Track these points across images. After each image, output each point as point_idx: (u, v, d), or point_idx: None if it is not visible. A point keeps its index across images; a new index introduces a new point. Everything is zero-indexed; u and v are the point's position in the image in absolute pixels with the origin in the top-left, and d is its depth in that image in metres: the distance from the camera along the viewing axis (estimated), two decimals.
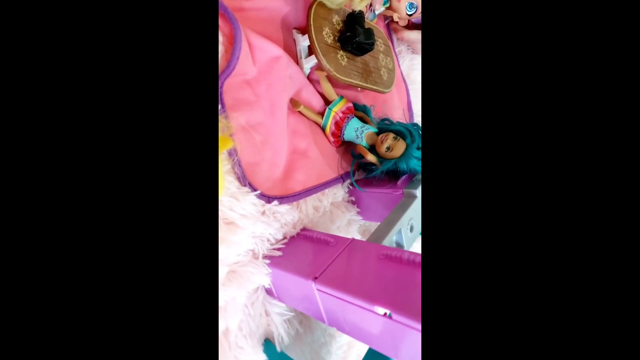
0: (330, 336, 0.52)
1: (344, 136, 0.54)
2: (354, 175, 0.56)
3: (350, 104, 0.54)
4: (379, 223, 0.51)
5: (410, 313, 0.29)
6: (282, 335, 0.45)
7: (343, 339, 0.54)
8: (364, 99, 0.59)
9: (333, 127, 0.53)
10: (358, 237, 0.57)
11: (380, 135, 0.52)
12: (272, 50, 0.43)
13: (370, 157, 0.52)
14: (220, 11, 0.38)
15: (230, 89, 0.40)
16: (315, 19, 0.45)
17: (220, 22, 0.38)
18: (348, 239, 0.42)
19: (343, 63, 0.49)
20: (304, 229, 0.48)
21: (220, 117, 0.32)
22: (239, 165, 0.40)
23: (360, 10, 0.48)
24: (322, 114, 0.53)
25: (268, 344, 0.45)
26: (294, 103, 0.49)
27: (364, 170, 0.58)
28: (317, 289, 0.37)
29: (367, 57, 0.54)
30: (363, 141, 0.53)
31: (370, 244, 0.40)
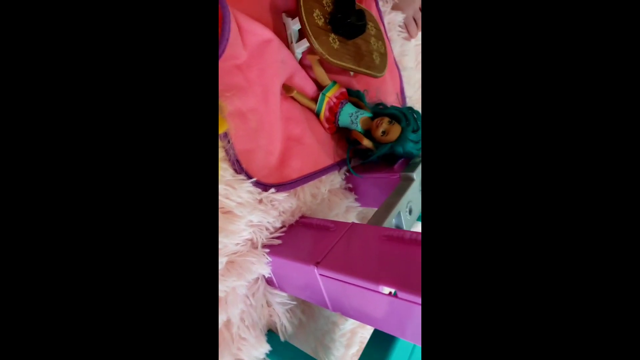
0: (333, 324, 0.51)
1: (339, 122, 0.53)
2: (350, 162, 0.55)
3: (344, 89, 0.53)
4: (376, 208, 0.51)
5: (415, 290, 0.28)
6: (285, 325, 0.44)
7: (346, 326, 0.54)
8: (357, 84, 0.59)
9: (327, 113, 0.52)
10: None
11: (375, 120, 0.51)
12: (263, 34, 0.42)
13: (366, 142, 0.52)
14: None
15: (221, 74, 0.39)
16: (306, 1, 0.44)
17: None
18: (348, 223, 0.42)
19: (335, 46, 0.48)
20: (302, 217, 0.47)
21: None
22: (234, 153, 0.39)
23: None
24: (315, 99, 0.52)
25: (271, 334, 0.44)
26: (286, 88, 0.48)
27: (360, 157, 0.57)
28: (320, 274, 0.36)
29: (358, 40, 0.53)
30: (358, 126, 0.52)
31: (370, 226, 0.40)
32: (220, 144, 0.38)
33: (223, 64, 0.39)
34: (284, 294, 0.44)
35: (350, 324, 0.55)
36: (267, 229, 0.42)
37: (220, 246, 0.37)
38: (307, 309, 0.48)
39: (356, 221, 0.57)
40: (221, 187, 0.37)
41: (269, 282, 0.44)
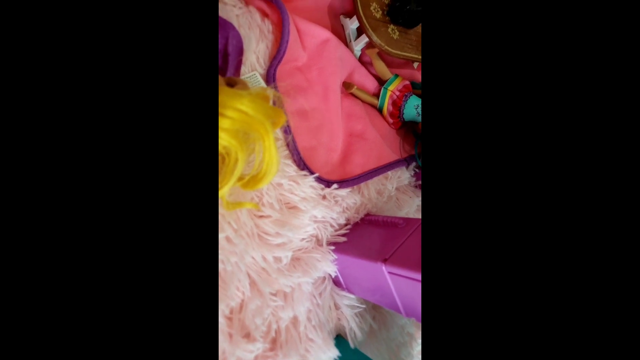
0: (409, 336, 0.46)
1: (404, 116, 0.50)
2: (419, 157, 0.51)
3: (407, 82, 0.50)
4: None
5: None
6: (354, 329, 0.41)
7: None
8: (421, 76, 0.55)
9: (391, 107, 0.50)
10: None
11: None
12: (320, 34, 0.43)
13: None
14: (268, 0, 0.39)
15: (282, 75, 0.41)
16: None
17: (269, 10, 0.40)
18: (419, 219, 0.37)
19: (395, 37, 0.46)
20: (368, 214, 0.44)
21: (269, 88, 0.32)
22: (296, 150, 0.40)
23: None
24: (377, 95, 0.50)
25: (340, 340, 0.41)
26: (346, 85, 0.47)
27: None
28: (388, 272, 0.33)
29: (420, 28, 0.50)
30: None
31: None
32: (282, 140, 0.39)
33: (284, 67, 0.41)
34: (352, 296, 0.42)
35: None
36: (331, 225, 0.41)
37: (285, 240, 0.37)
38: (378, 315, 0.44)
39: None
40: (285, 182, 0.38)
41: (336, 282, 0.42)
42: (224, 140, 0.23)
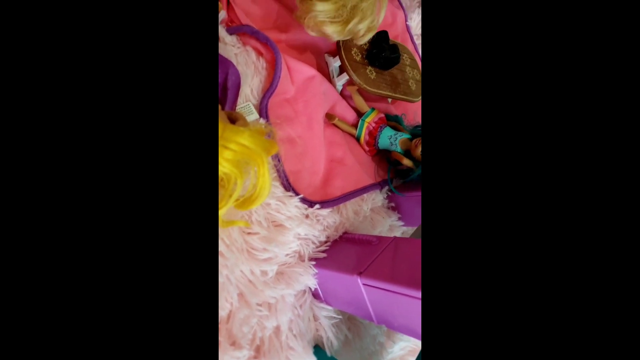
0: (380, 345, 0.50)
1: (379, 144, 0.56)
2: (392, 181, 0.57)
3: (382, 115, 0.57)
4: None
5: None
6: (331, 339, 0.45)
7: (395, 350, 0.52)
8: (395, 109, 0.62)
9: (367, 137, 0.56)
10: None
11: (414, 140, 0.53)
12: (307, 71, 0.49)
13: (406, 162, 0.54)
14: (263, 41, 0.45)
15: (273, 107, 0.46)
16: (345, 41, 0.50)
17: (264, 50, 0.45)
18: (390, 237, 0.43)
19: (372, 77, 0.53)
20: (345, 233, 0.49)
21: (265, 124, 0.37)
22: (284, 173, 0.44)
23: (384, 30, 0.53)
24: (355, 125, 0.56)
25: (318, 350, 0.45)
26: (329, 116, 0.53)
27: (401, 177, 0.59)
28: (363, 284, 0.38)
29: (394, 70, 0.58)
30: (398, 147, 0.55)
31: (415, 239, 0.41)
32: (271, 164, 0.44)
33: (275, 99, 0.46)
34: (329, 307, 0.46)
35: (399, 348, 0.53)
36: (313, 242, 0.45)
37: (271, 255, 0.41)
38: (352, 326, 0.48)
39: None
40: (273, 202, 0.42)
41: (315, 295, 0.46)
42: (226, 168, 0.27)
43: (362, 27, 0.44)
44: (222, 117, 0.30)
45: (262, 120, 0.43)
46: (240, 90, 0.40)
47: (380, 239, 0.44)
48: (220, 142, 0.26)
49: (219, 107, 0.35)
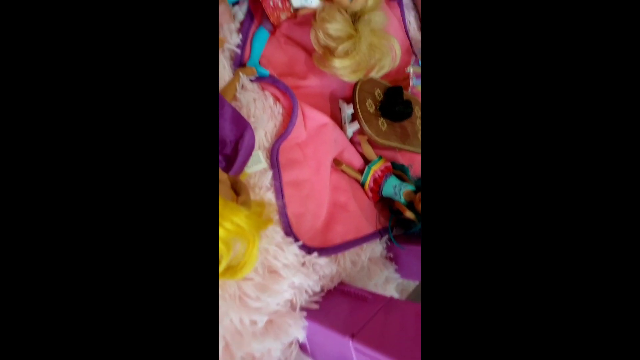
0: None
1: (383, 192, 0.57)
2: (392, 230, 0.57)
3: (389, 164, 0.58)
4: (417, 282, 0.50)
5: None
6: None
7: None
8: (402, 158, 0.63)
9: (372, 184, 0.56)
10: (396, 295, 0.56)
11: (419, 193, 0.54)
12: (321, 119, 0.50)
13: (409, 214, 0.54)
14: (282, 90, 0.46)
15: (284, 150, 0.46)
16: (360, 93, 0.52)
17: (282, 97, 0.46)
18: (386, 297, 0.42)
19: (383, 128, 0.54)
20: (341, 284, 0.48)
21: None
22: (286, 216, 0.44)
23: (399, 86, 0.55)
24: (361, 171, 0.57)
25: None
26: (337, 162, 0.54)
27: (402, 227, 0.59)
28: (355, 348, 0.36)
29: (405, 122, 0.59)
30: (401, 198, 0.55)
31: (409, 303, 0.40)
32: (273, 203, 0.43)
33: (287, 143, 0.47)
34: None
35: None
36: (306, 291, 0.44)
37: (262, 305, 0.39)
38: None
39: (395, 293, 0.56)
40: (271, 248, 0.42)
41: (302, 347, 0.44)
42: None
43: (379, 75, 0.46)
44: (225, 186, 0.30)
45: (269, 173, 0.43)
46: (253, 151, 0.41)
47: (375, 296, 0.43)
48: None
49: (224, 171, 0.35)
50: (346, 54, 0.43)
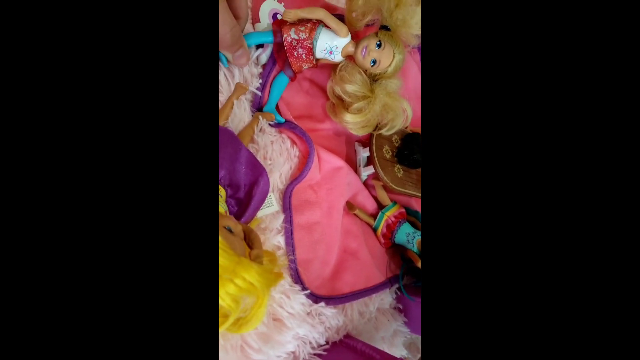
0: None
1: (395, 239, 0.55)
2: (403, 278, 0.54)
3: (403, 210, 0.57)
4: None
5: None
6: None
7: None
8: (417, 205, 0.62)
9: (384, 230, 0.55)
10: (404, 351, 0.53)
11: None
12: (336, 162, 0.50)
13: (421, 265, 0.52)
14: (299, 134, 0.46)
15: (297, 192, 0.46)
16: (377, 139, 0.52)
17: (298, 142, 0.47)
18: (396, 358, 0.40)
19: (399, 175, 0.53)
20: (347, 336, 0.46)
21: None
22: (294, 263, 0.43)
23: (417, 132, 0.54)
24: (374, 215, 0.56)
25: None
26: (349, 206, 0.53)
27: (413, 276, 0.57)
28: None
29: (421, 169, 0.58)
30: (414, 247, 0.53)
31: None
32: (283, 247, 0.42)
33: (301, 185, 0.47)
34: None
35: None
36: (310, 343, 0.43)
37: (264, 358, 0.38)
38: None
39: (403, 348, 0.53)
40: (278, 296, 0.40)
41: None
42: (225, 302, 0.26)
43: (389, 133, 0.46)
44: (239, 239, 0.29)
45: (281, 217, 0.43)
46: (266, 197, 0.41)
47: (383, 355, 0.41)
48: (228, 275, 0.25)
49: (236, 216, 0.35)
50: (359, 111, 0.44)
